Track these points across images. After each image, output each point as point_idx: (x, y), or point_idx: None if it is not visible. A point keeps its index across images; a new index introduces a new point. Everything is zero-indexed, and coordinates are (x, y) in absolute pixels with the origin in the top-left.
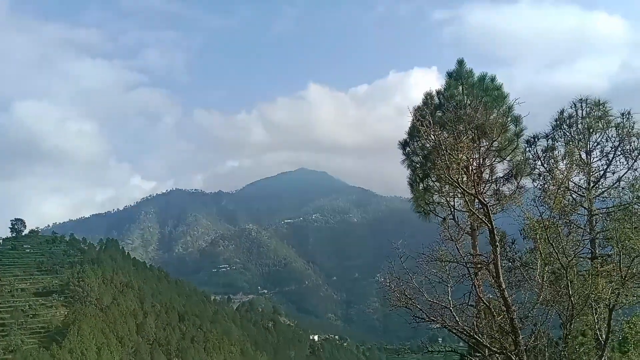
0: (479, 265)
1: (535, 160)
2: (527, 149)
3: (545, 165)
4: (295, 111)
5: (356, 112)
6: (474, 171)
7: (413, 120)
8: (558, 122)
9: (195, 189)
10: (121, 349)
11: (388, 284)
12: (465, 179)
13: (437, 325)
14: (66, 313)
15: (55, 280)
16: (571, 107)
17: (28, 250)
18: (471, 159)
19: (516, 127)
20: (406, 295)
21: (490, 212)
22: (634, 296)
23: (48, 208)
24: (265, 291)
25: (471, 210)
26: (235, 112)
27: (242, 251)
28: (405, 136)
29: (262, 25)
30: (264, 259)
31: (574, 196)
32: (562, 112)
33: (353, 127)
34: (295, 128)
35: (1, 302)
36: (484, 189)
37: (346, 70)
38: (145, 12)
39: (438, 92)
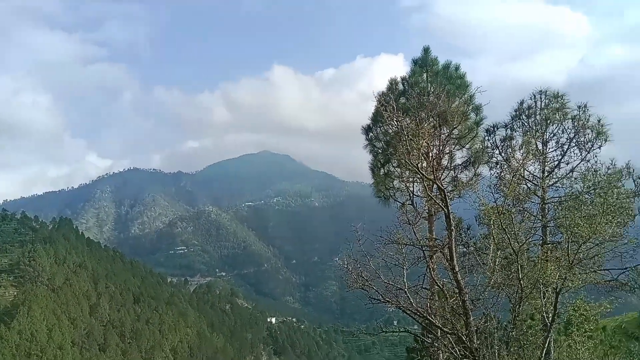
0: (434, 249)
1: (493, 149)
2: (486, 138)
3: (502, 154)
4: (260, 92)
5: (321, 96)
6: (434, 157)
7: (377, 105)
8: (517, 113)
9: (154, 169)
10: (73, 331)
11: (346, 266)
12: (425, 164)
13: (392, 306)
14: (16, 293)
15: (5, 259)
16: (530, 99)
17: None
18: (431, 146)
19: (476, 116)
20: (363, 277)
21: (447, 197)
22: (579, 281)
23: None
24: (224, 274)
25: (429, 195)
26: (197, 91)
27: (200, 233)
28: (368, 121)
29: (230, 3)
30: (223, 242)
31: (529, 185)
32: (521, 102)
33: (318, 111)
34: (259, 110)
35: None
36: (442, 175)
37: (313, 53)
38: None
39: (403, 79)
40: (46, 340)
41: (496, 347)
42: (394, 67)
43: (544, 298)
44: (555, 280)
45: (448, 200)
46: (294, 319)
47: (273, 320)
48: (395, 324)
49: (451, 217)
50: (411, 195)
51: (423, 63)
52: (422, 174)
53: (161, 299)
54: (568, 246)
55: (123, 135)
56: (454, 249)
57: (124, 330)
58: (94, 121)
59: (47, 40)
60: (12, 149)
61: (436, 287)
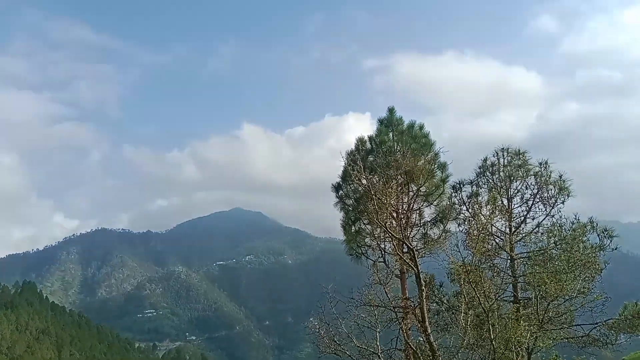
0: (407, 310)
1: (460, 205)
2: (453, 195)
3: (469, 210)
4: (230, 150)
5: (292, 153)
6: (402, 215)
7: (345, 164)
8: (482, 170)
9: (122, 229)
10: None
11: (318, 330)
12: (394, 223)
13: None
14: None
15: None
16: (494, 156)
17: None
18: (400, 204)
19: (442, 174)
20: (335, 342)
21: (416, 256)
22: (550, 339)
23: None
24: (194, 337)
25: (399, 255)
26: (167, 149)
27: (170, 295)
28: (338, 179)
29: (197, 63)
30: (193, 303)
31: (497, 241)
32: (485, 160)
33: (289, 167)
34: (229, 167)
35: None
36: (411, 232)
37: (282, 112)
38: (77, 45)
39: (370, 138)
40: None
41: None
42: (362, 124)
43: (517, 358)
44: (527, 340)
45: (417, 260)
46: None
47: None
48: None
49: (422, 276)
50: (383, 253)
51: (389, 122)
52: (391, 233)
53: None
54: (537, 304)
55: (91, 194)
56: (425, 309)
57: None
58: (61, 181)
59: (12, 99)
60: None
61: (410, 349)
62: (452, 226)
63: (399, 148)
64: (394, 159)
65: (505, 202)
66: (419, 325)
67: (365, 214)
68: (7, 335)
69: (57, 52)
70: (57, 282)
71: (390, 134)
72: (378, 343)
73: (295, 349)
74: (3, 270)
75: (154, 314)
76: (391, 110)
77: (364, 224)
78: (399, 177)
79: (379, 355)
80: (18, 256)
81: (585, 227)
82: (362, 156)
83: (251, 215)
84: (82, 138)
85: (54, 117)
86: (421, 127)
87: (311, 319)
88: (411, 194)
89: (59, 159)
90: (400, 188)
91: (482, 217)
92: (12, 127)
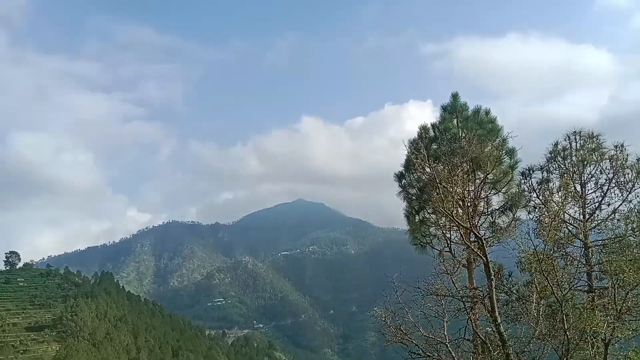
0: (475, 299)
1: (530, 193)
2: (522, 181)
3: (540, 197)
4: (291, 143)
5: (352, 144)
6: (469, 204)
7: (408, 153)
8: (552, 155)
9: (191, 221)
10: None
11: (384, 319)
12: (460, 211)
13: None
14: (58, 348)
15: (48, 314)
16: (565, 140)
17: (22, 284)
18: (466, 192)
19: (511, 160)
20: (402, 331)
21: (485, 245)
22: (629, 330)
23: (43, 240)
24: (261, 325)
25: (467, 244)
26: (230, 144)
27: (238, 284)
28: (401, 168)
29: (256, 57)
30: (260, 292)
31: (570, 228)
32: (556, 144)
33: (349, 158)
34: (290, 160)
35: None
36: (479, 221)
37: (341, 103)
38: (143, 46)
39: (433, 125)
40: None
41: None
42: (423, 113)
43: (592, 349)
44: (603, 330)
45: (486, 248)
46: None
47: None
48: None
49: (490, 265)
50: (449, 242)
51: (452, 109)
52: (458, 222)
53: (199, 352)
54: (615, 293)
55: (161, 189)
56: (494, 299)
57: None
58: (134, 177)
59: (87, 101)
60: (57, 206)
61: (479, 339)
62: (521, 214)
63: (464, 135)
64: (459, 146)
65: (579, 187)
66: (488, 315)
67: (430, 202)
68: (89, 323)
69: (124, 54)
70: (132, 272)
71: (455, 121)
72: (446, 333)
73: (360, 338)
74: (83, 261)
75: (223, 302)
76: (455, 96)
77: (429, 213)
78: (465, 164)
79: (446, 345)
80: (96, 248)
81: None
82: (425, 144)
83: (314, 206)
84: (151, 135)
85: (124, 116)
86: (487, 113)
87: (376, 308)
88: (478, 181)
89: (130, 155)
90: (466, 176)
91: (553, 204)
92: (87, 127)
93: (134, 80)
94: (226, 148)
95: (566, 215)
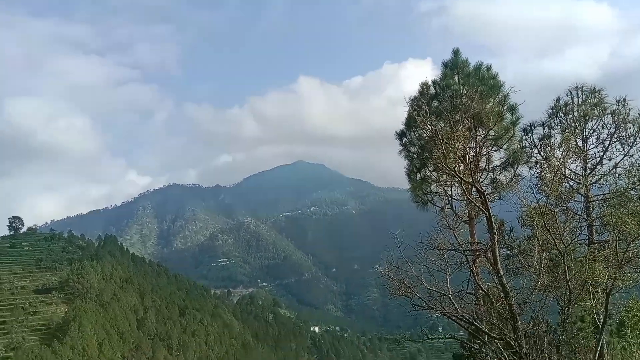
0: (477, 253)
1: (531, 149)
2: (524, 137)
3: (541, 153)
4: (288, 104)
5: (350, 104)
6: (471, 160)
7: (409, 110)
8: (554, 110)
9: (192, 184)
10: (123, 345)
11: (387, 273)
12: (462, 167)
13: (437, 313)
14: (66, 310)
15: (55, 277)
16: (567, 95)
17: (27, 248)
18: (468, 148)
19: (512, 116)
20: (405, 284)
21: (487, 199)
22: (630, 280)
23: (44, 205)
24: (265, 284)
25: (468, 199)
26: (227, 106)
27: (240, 245)
28: (402, 126)
29: (251, 18)
30: (263, 252)
31: (571, 183)
32: (558, 99)
33: (348, 118)
34: (288, 121)
35: (1, 300)
36: (480, 177)
37: (338, 62)
38: (136, 7)
39: (434, 82)
40: (97, 355)
41: (546, 352)
42: (422, 71)
43: (593, 299)
44: (604, 281)
45: (488, 203)
46: (337, 328)
47: (316, 329)
48: (440, 330)
49: (492, 219)
50: (450, 199)
51: (454, 65)
52: (460, 177)
53: (206, 311)
54: (616, 245)
55: (159, 152)
56: (497, 251)
57: (171, 342)
58: (131, 140)
59: (81, 64)
60: (55, 171)
61: (481, 291)
62: (523, 170)
63: (465, 91)
64: (460, 103)
65: (580, 142)
66: (491, 268)
67: (431, 160)
68: (95, 284)
69: (117, 16)
70: (135, 235)
71: (456, 77)
72: (449, 285)
73: (363, 295)
74: (86, 225)
75: (227, 262)
76: (456, 52)
77: (430, 170)
78: (466, 121)
79: (449, 297)
80: (98, 212)
81: None
82: (426, 101)
83: (313, 167)
84: (147, 98)
85: (119, 79)
86: (489, 69)
87: (378, 265)
88: (479, 138)
89: (126, 119)
90: (467, 132)
91: (555, 159)
92: (82, 91)
93: (128, 42)
94: (223, 110)
95: (567, 171)
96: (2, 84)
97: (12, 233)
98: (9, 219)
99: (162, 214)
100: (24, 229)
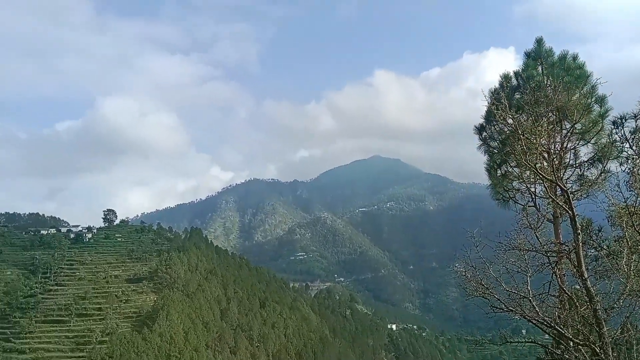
0: (560, 254)
1: (622, 143)
2: (614, 131)
3: (633, 147)
4: (364, 98)
5: (428, 97)
6: (554, 156)
7: (489, 103)
8: None
9: (271, 179)
10: (207, 334)
11: (464, 274)
12: (544, 163)
13: (516, 315)
14: (155, 299)
15: (145, 267)
16: None
17: (120, 239)
18: (552, 143)
19: (601, 108)
20: (483, 285)
21: (571, 198)
22: None
23: (136, 199)
24: (342, 279)
25: (551, 197)
26: (304, 101)
27: (318, 239)
28: (481, 120)
29: (326, 13)
30: (340, 247)
31: None
32: None
33: (425, 112)
34: (364, 115)
35: (97, 288)
36: (564, 174)
37: (416, 54)
38: (218, 6)
39: (516, 73)
40: (183, 343)
41: None
42: (505, 61)
43: None
44: None
45: (572, 201)
46: (415, 326)
47: (394, 327)
48: (523, 333)
49: (577, 219)
50: (533, 196)
51: (537, 55)
52: (542, 175)
53: (285, 303)
54: None
55: (240, 148)
56: (580, 253)
57: (252, 334)
58: (214, 136)
59: (167, 63)
60: (145, 166)
61: (565, 295)
62: (612, 166)
63: (549, 82)
64: (543, 95)
65: None
66: (575, 271)
67: (513, 155)
68: (182, 275)
69: (200, 15)
70: (219, 228)
71: (539, 68)
72: (529, 288)
73: (441, 293)
74: (173, 218)
75: (305, 256)
76: (539, 41)
77: (511, 166)
78: (550, 114)
79: (530, 300)
80: (185, 205)
81: None
82: (507, 94)
83: (390, 162)
84: (228, 95)
85: (202, 77)
86: (575, 58)
87: (458, 265)
88: (564, 132)
89: (209, 116)
90: (551, 126)
91: None
92: (169, 90)
93: (209, 41)
94: (300, 106)
95: None
96: (97, 83)
97: (106, 225)
98: (103, 211)
99: (243, 208)
100: (117, 221)
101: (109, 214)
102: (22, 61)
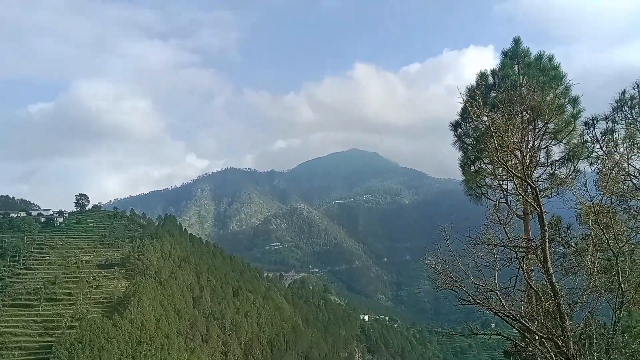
0: (527, 250)
1: (593, 143)
2: (585, 132)
3: (603, 148)
4: (344, 91)
5: (408, 92)
6: (525, 153)
7: (465, 100)
8: (619, 104)
9: (249, 168)
10: (179, 321)
11: (434, 267)
12: (515, 161)
13: (483, 308)
14: (127, 285)
15: (117, 253)
16: (633, 88)
17: (92, 225)
18: (523, 141)
19: (574, 109)
20: (452, 278)
21: (539, 195)
22: None
23: (109, 184)
24: (316, 270)
25: (520, 193)
26: (283, 92)
27: (293, 230)
28: (457, 117)
29: (308, 4)
30: (315, 238)
31: (634, 181)
32: (623, 93)
33: (404, 107)
34: (344, 108)
35: (68, 273)
36: (538, 171)
37: (396, 49)
38: None
39: (492, 72)
40: (154, 330)
41: (595, 354)
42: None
43: None
44: None
45: (540, 199)
46: (387, 318)
47: (366, 317)
48: (492, 326)
49: (545, 216)
50: (505, 193)
51: (514, 54)
52: (512, 171)
53: (258, 293)
54: None
55: (217, 136)
56: (547, 250)
57: (225, 322)
58: (190, 124)
59: (145, 48)
60: (119, 151)
61: (531, 289)
62: (583, 165)
63: (524, 82)
64: (518, 94)
65: None
66: (541, 266)
67: (486, 152)
68: (154, 262)
69: (181, 1)
70: (193, 216)
71: (516, 67)
72: (497, 281)
73: (414, 286)
74: (147, 204)
75: (280, 246)
76: (517, 41)
77: (484, 163)
78: (524, 113)
79: (496, 293)
80: (159, 192)
81: None
82: (483, 92)
83: (367, 155)
84: (206, 82)
85: (180, 63)
86: (551, 59)
87: (430, 259)
88: (537, 131)
89: (187, 102)
90: (524, 125)
91: (617, 155)
92: (145, 74)
93: (189, 27)
94: (279, 96)
95: (631, 168)
96: (73, 66)
97: (78, 210)
98: (75, 196)
99: (219, 197)
100: (89, 206)
101: (81, 199)
102: None
